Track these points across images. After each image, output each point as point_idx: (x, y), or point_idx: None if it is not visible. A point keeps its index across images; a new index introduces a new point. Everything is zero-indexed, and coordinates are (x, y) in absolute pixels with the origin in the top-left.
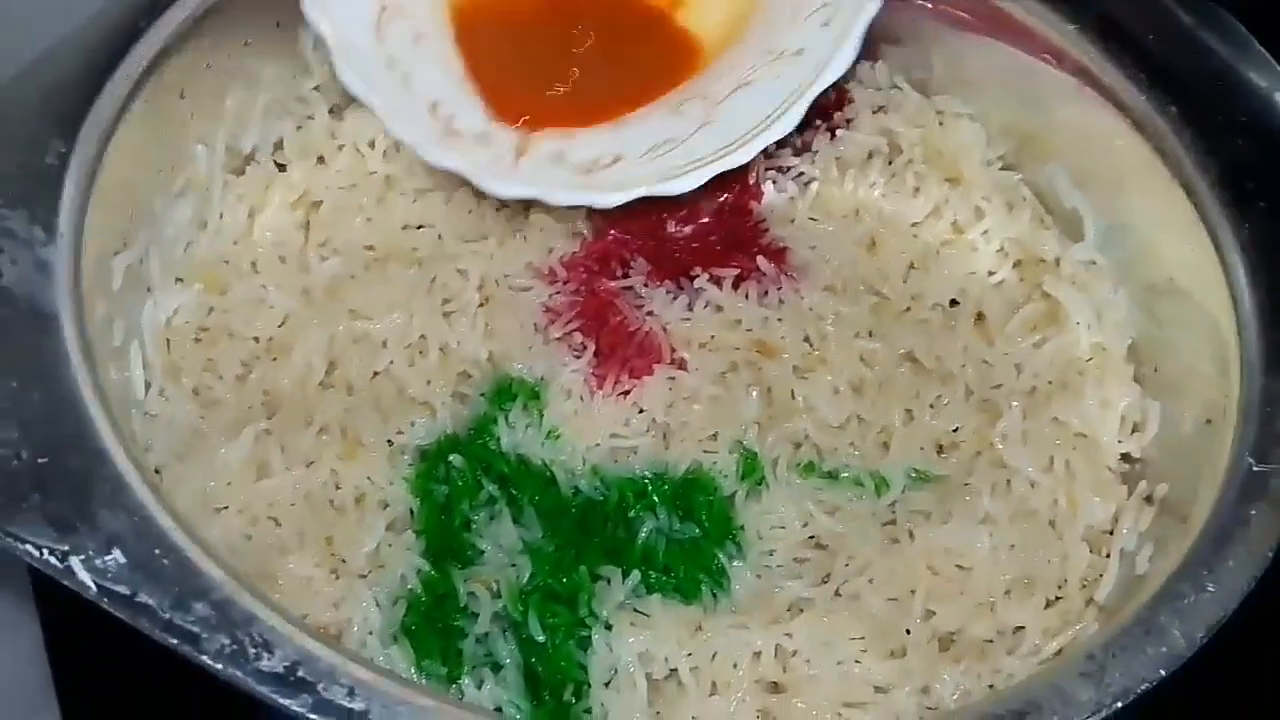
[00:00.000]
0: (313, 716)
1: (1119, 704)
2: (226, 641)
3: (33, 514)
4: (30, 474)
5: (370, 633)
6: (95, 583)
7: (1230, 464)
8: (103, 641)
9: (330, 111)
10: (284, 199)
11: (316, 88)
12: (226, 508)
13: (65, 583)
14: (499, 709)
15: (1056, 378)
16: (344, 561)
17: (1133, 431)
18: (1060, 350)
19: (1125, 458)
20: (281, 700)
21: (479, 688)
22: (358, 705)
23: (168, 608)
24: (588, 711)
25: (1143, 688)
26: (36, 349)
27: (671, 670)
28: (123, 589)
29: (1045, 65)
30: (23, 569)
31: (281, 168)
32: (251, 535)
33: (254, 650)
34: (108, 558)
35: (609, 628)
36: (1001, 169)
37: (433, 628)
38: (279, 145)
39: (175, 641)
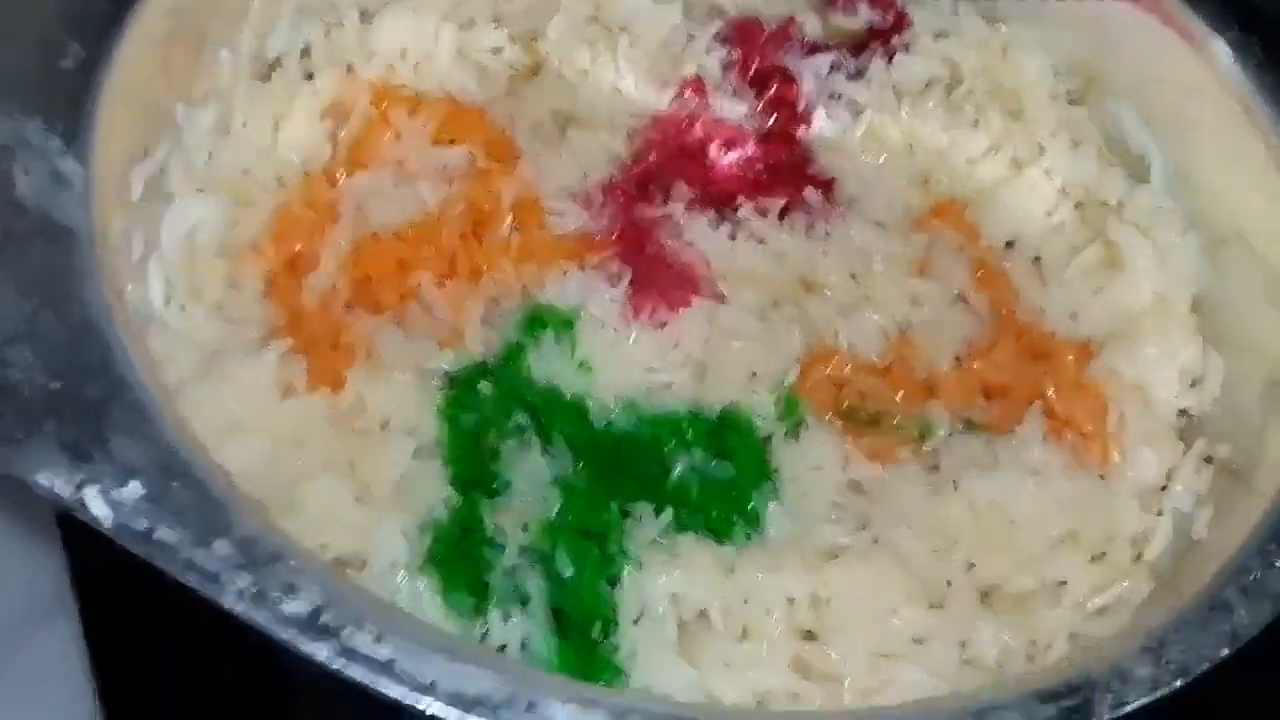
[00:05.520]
0: (338, 664)
1: (1178, 682)
2: (249, 582)
3: (46, 442)
4: (44, 400)
5: (394, 563)
6: (112, 516)
7: None
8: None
9: (361, 16)
10: (311, 109)
11: None
12: (247, 430)
13: (79, 516)
14: (525, 644)
15: (1114, 326)
16: (368, 488)
17: (1192, 386)
18: (1120, 298)
19: (1183, 414)
20: (306, 647)
21: (505, 621)
22: (384, 653)
23: (188, 545)
24: (615, 649)
25: (1203, 667)
26: (52, 266)
27: (702, 612)
28: (141, 524)
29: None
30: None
31: (309, 76)
32: (273, 459)
33: (278, 593)
34: (124, 489)
35: (639, 566)
36: (1069, 102)
37: (460, 558)
38: (306, 52)
39: (194, 582)
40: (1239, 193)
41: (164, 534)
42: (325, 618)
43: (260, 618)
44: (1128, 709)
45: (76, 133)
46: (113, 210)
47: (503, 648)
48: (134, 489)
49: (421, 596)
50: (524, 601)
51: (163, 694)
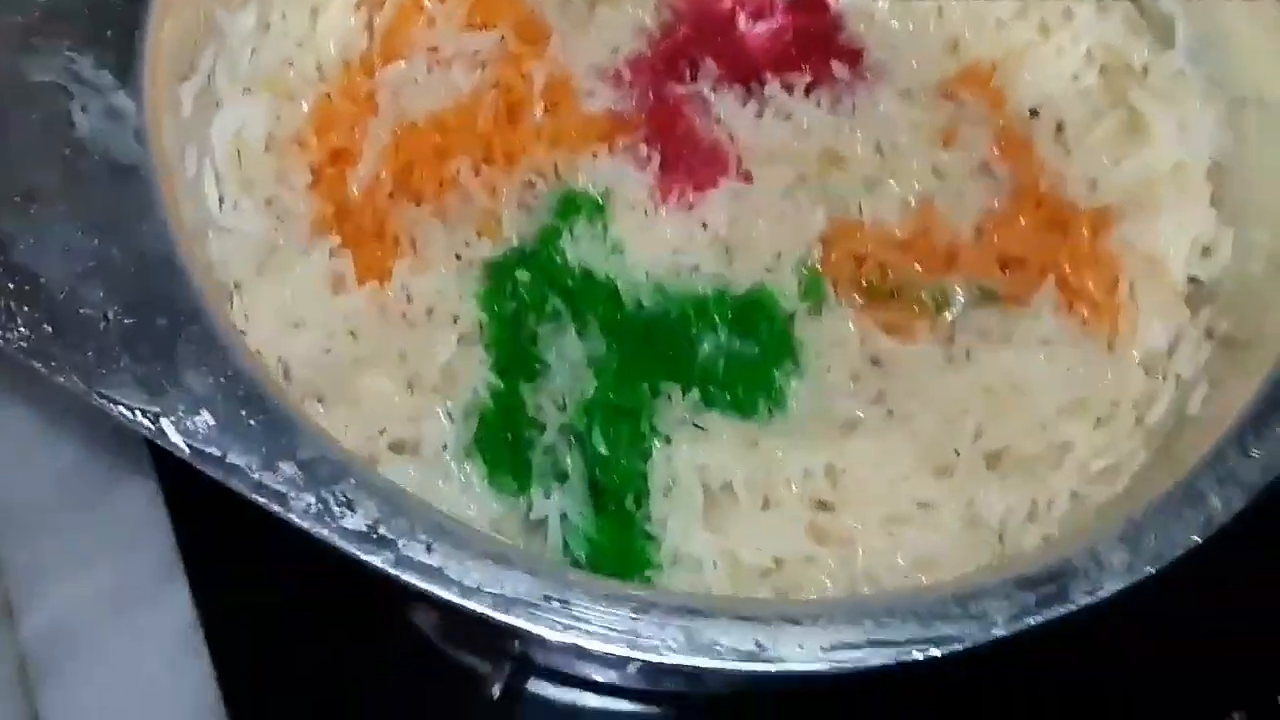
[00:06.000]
0: (393, 571)
1: (1151, 569)
2: (312, 500)
3: (124, 375)
4: (119, 334)
5: (444, 446)
6: (187, 444)
7: None
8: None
9: None
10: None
11: None
12: (304, 324)
13: (159, 443)
14: (565, 516)
15: (1131, 196)
16: (418, 375)
17: (1204, 255)
18: (1140, 168)
19: (1193, 280)
20: (365, 556)
21: (547, 497)
22: (434, 560)
23: (256, 468)
24: (648, 518)
25: (1177, 554)
26: (116, 202)
27: (726, 483)
28: (214, 450)
29: None
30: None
31: None
32: (330, 349)
33: (339, 509)
34: (197, 418)
35: (669, 441)
36: None
37: (502, 441)
38: None
39: (264, 501)
40: (1264, 56)
41: (235, 458)
42: (382, 530)
43: (324, 532)
44: (1102, 594)
45: (128, 65)
46: (166, 137)
47: (544, 521)
48: (205, 418)
49: (470, 479)
50: (563, 478)
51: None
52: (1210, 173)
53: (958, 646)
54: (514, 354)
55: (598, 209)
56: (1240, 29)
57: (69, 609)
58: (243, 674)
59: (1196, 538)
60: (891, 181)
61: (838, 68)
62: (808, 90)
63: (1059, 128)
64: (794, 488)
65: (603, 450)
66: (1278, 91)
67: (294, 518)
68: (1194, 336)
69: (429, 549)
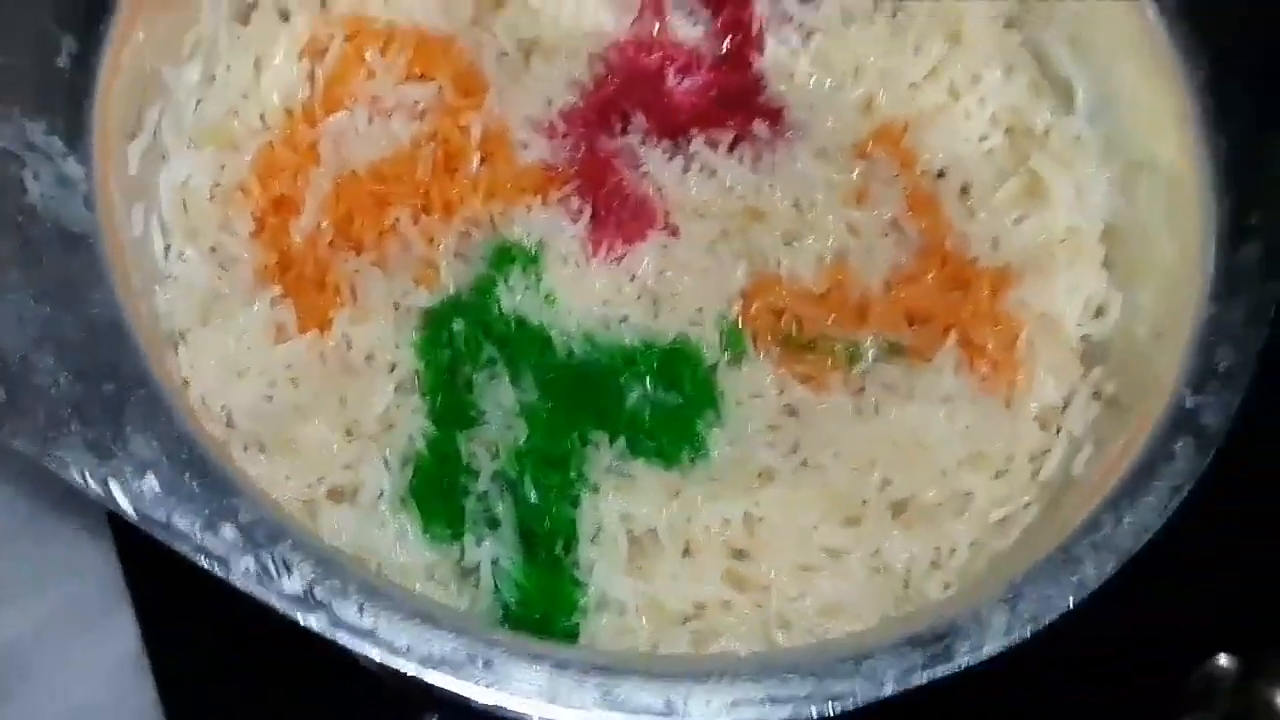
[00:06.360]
0: (328, 632)
1: (1029, 630)
2: (251, 562)
3: (74, 439)
4: (69, 400)
5: (380, 493)
6: (134, 508)
7: (1171, 386)
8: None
9: None
10: (289, 49)
11: None
12: (248, 371)
13: (109, 507)
14: (496, 562)
15: (1029, 257)
16: (357, 422)
17: (1096, 315)
18: (1038, 228)
19: (1085, 339)
20: (301, 618)
21: (479, 544)
22: (366, 622)
23: (199, 531)
24: (575, 565)
25: (1051, 617)
26: (66, 270)
27: (650, 529)
28: (159, 514)
29: None
30: None
31: (285, 17)
32: (272, 396)
33: (276, 572)
34: (143, 482)
35: (596, 489)
36: (1004, 27)
37: (437, 488)
38: None
39: (206, 564)
40: (1153, 119)
41: (178, 522)
42: (317, 592)
43: (263, 593)
44: (983, 654)
45: (78, 131)
46: (114, 198)
47: (476, 567)
48: (151, 482)
49: (405, 527)
50: (495, 525)
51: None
52: (1104, 235)
53: (850, 702)
54: (449, 401)
55: (531, 260)
56: (1135, 92)
57: (16, 633)
58: (187, 701)
59: (1070, 601)
60: (809, 237)
61: (759, 125)
62: (731, 146)
63: (964, 189)
64: (713, 535)
65: (533, 498)
66: (1167, 154)
67: (235, 580)
68: (1085, 394)
69: (361, 610)
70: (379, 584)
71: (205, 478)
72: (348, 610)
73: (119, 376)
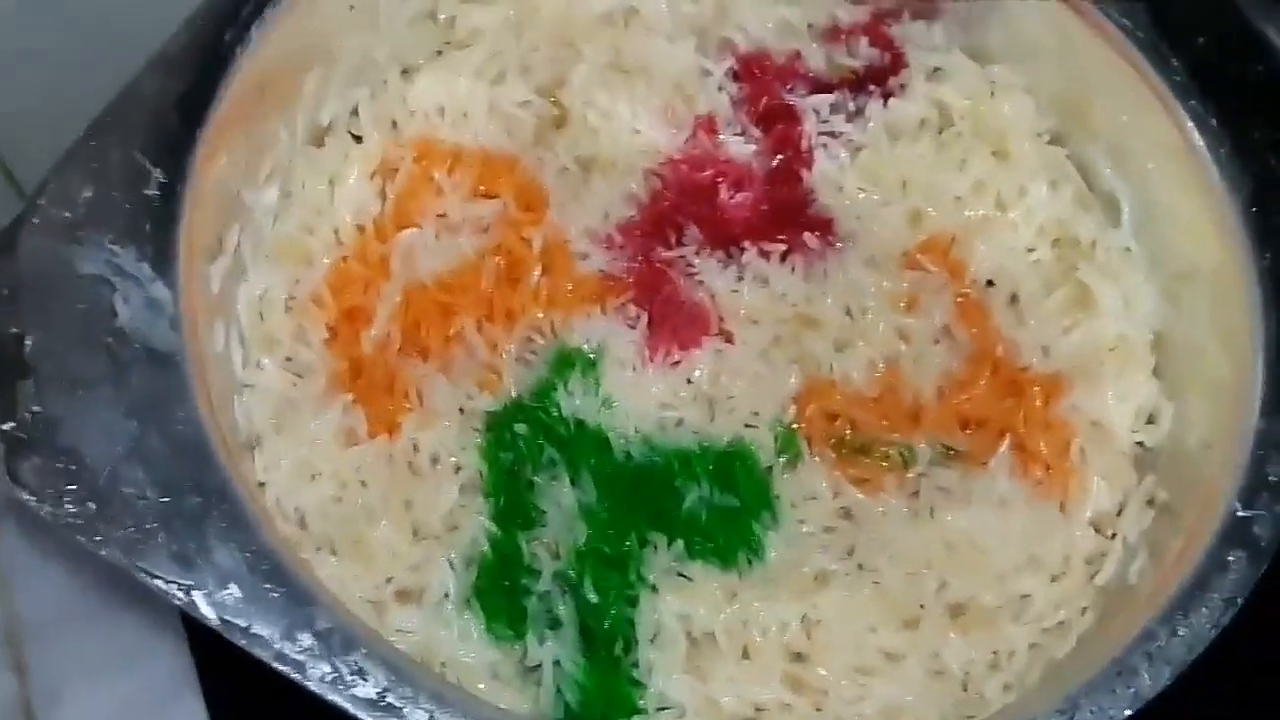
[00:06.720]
0: None
1: None
2: (328, 669)
3: (161, 551)
4: (155, 512)
5: (446, 594)
6: (218, 616)
7: (1223, 497)
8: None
9: (403, 73)
10: (362, 169)
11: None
12: (320, 473)
13: (192, 614)
14: (558, 662)
15: (1080, 365)
16: (423, 523)
17: (1148, 422)
18: (1087, 337)
19: (1139, 446)
20: None
21: (540, 643)
22: None
23: (278, 638)
24: (634, 665)
25: None
26: (154, 388)
27: (709, 631)
28: (241, 621)
29: (1101, 41)
30: None
31: (357, 138)
32: (342, 499)
33: (351, 677)
34: (225, 592)
35: (655, 590)
36: (1049, 143)
37: (500, 588)
38: (355, 112)
39: (285, 669)
40: (1195, 230)
41: (259, 629)
42: (389, 698)
43: (338, 699)
44: None
45: (165, 256)
46: (198, 319)
47: (538, 666)
48: (233, 591)
49: (469, 627)
50: (556, 624)
51: None
52: (1154, 344)
53: None
54: (512, 502)
55: (590, 365)
56: (1177, 205)
57: (86, 717)
58: None
59: (1126, 713)
60: (860, 343)
61: (809, 237)
62: (783, 257)
63: (1013, 298)
64: (771, 637)
65: (593, 599)
66: (1211, 267)
67: (311, 685)
68: (1139, 501)
69: (431, 717)
70: (447, 692)
71: (284, 588)
72: (418, 716)
73: (202, 489)
